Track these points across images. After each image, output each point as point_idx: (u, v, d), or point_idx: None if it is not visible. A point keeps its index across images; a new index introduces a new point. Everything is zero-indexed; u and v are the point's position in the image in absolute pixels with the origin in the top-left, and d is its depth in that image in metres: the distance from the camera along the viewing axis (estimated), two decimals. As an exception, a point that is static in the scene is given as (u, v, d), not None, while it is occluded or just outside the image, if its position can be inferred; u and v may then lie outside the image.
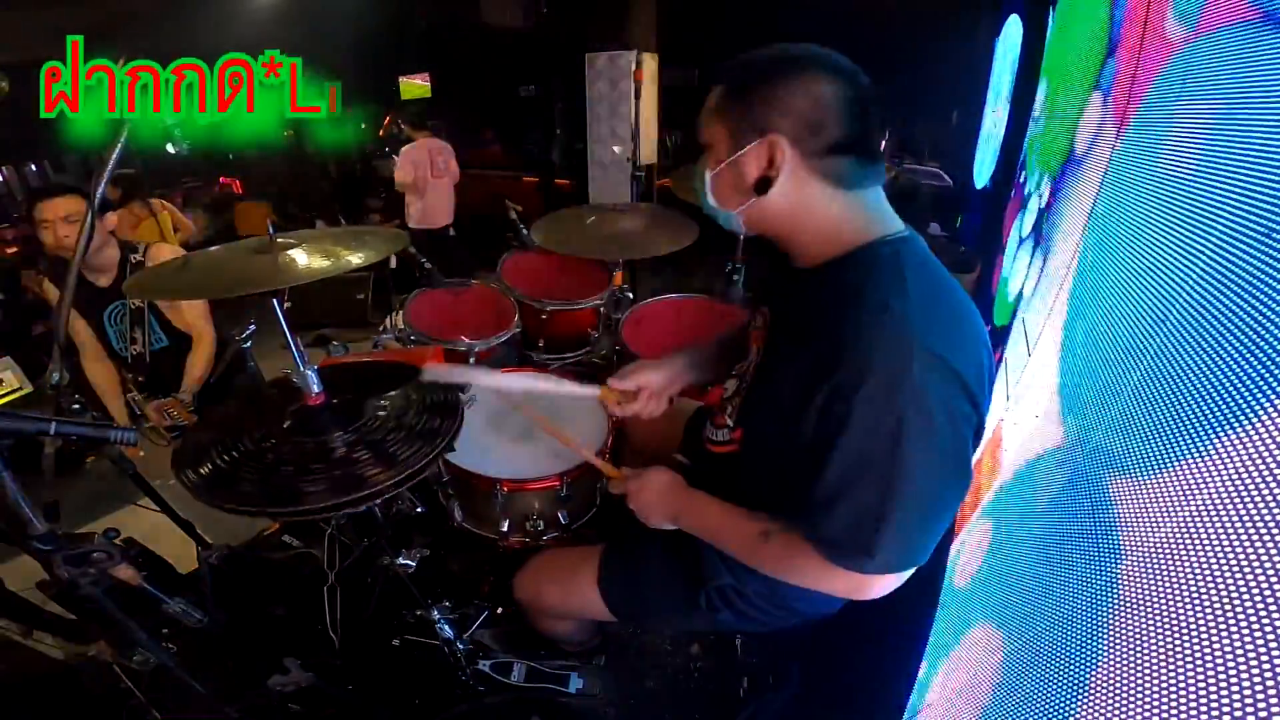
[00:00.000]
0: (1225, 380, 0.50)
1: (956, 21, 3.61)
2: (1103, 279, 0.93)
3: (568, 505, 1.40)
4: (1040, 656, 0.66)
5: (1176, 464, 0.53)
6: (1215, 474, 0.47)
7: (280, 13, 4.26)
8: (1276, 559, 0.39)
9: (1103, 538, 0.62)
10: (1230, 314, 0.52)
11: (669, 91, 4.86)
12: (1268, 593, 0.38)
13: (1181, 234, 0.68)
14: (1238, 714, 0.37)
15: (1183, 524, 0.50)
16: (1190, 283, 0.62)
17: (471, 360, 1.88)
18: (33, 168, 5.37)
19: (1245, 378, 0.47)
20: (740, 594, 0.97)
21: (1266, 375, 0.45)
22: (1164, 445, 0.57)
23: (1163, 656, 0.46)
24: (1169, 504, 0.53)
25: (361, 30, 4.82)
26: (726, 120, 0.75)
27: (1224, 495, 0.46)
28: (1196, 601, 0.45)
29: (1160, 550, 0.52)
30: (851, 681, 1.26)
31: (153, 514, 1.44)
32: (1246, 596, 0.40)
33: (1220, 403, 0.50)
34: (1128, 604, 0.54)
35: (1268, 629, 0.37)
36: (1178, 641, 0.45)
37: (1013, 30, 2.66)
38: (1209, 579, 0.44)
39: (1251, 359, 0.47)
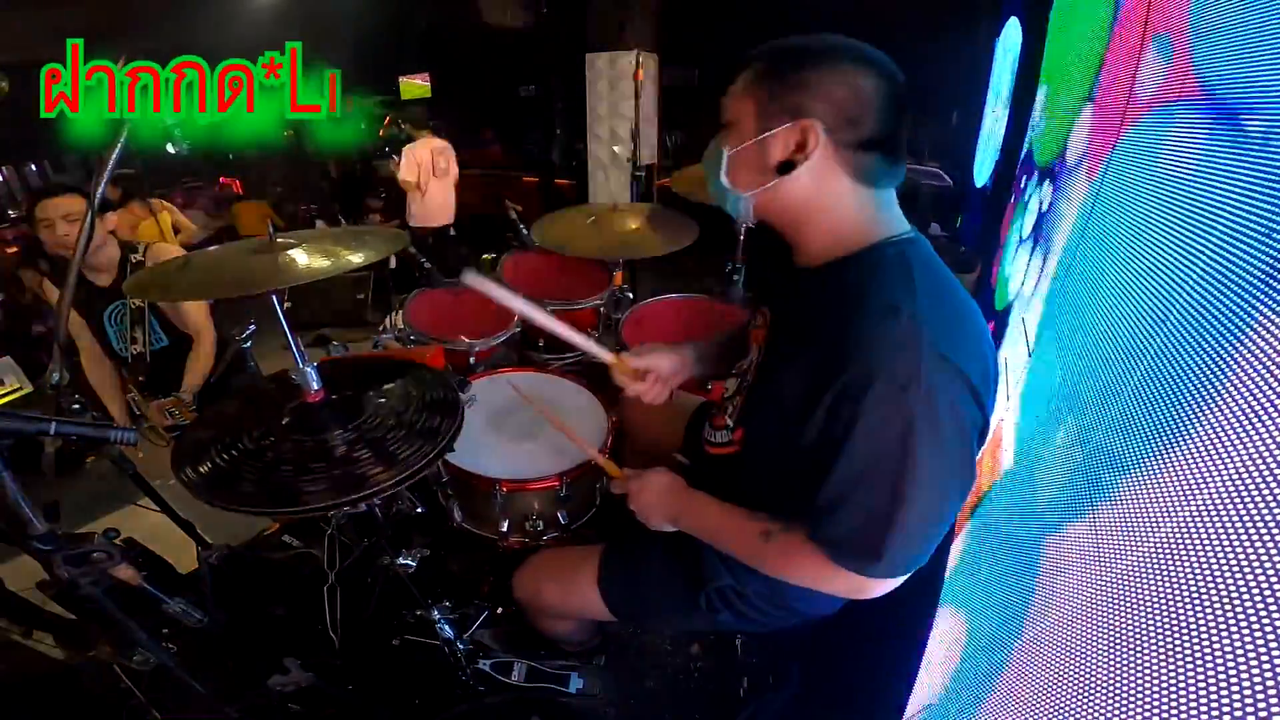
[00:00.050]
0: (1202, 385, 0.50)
1: (956, 22, 3.61)
2: (1085, 280, 0.93)
3: (567, 505, 1.40)
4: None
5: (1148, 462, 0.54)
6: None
7: (280, 13, 4.27)
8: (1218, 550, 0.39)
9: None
10: (1230, 314, 0.52)
11: (669, 91, 4.86)
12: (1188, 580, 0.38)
13: (1180, 235, 0.68)
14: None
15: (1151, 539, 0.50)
16: (1171, 283, 0.62)
17: (471, 359, 1.88)
18: (33, 168, 5.37)
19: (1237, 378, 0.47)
20: (740, 595, 0.97)
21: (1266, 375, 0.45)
22: (1164, 445, 0.57)
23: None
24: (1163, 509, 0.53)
25: (361, 30, 4.82)
26: (758, 99, 0.74)
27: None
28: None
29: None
30: (851, 681, 1.26)
31: (153, 514, 1.44)
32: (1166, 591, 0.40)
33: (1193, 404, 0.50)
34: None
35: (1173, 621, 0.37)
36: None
37: (1012, 31, 2.66)
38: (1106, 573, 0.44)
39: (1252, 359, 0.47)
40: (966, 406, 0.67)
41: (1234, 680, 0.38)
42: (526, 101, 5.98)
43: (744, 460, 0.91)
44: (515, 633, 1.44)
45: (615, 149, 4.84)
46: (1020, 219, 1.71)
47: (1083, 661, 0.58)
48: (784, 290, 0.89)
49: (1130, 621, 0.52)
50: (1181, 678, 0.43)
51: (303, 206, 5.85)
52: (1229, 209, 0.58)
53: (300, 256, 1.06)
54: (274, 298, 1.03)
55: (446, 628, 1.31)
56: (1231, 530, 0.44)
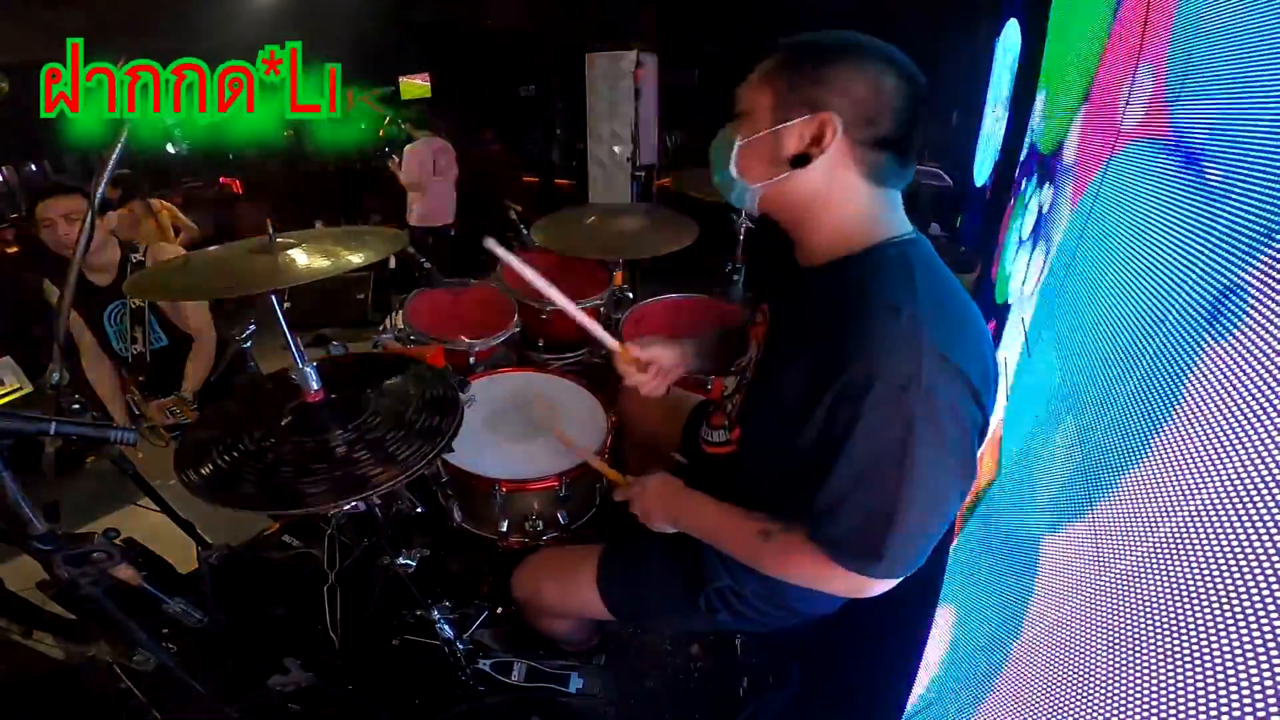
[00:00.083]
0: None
1: (956, 22, 3.60)
2: (1084, 280, 0.94)
3: (567, 505, 1.40)
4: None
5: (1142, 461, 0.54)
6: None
7: (280, 13, 4.27)
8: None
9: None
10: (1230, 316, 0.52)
11: (669, 91, 4.85)
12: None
13: (1179, 235, 0.68)
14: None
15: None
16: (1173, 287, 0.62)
17: (471, 359, 1.88)
18: (33, 168, 5.36)
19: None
20: (739, 595, 0.97)
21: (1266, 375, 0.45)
22: (1164, 445, 0.57)
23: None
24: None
25: (361, 30, 4.82)
26: (777, 91, 0.74)
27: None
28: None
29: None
30: (851, 681, 1.26)
31: (153, 514, 1.44)
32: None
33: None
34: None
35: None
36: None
37: (1012, 31, 2.66)
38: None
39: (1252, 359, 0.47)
40: (966, 407, 0.67)
41: (1233, 680, 0.38)
42: (526, 101, 5.98)
43: (742, 460, 0.91)
44: (515, 633, 1.44)
45: (615, 149, 4.84)
46: (1020, 219, 1.71)
47: (1082, 661, 0.58)
48: (784, 289, 0.89)
49: (1130, 621, 0.52)
50: (1181, 678, 0.43)
51: (302, 216, 5.84)
52: (1228, 209, 0.58)
53: (300, 256, 1.06)
54: (273, 298, 1.03)
55: (446, 628, 1.31)
56: (1231, 530, 0.44)
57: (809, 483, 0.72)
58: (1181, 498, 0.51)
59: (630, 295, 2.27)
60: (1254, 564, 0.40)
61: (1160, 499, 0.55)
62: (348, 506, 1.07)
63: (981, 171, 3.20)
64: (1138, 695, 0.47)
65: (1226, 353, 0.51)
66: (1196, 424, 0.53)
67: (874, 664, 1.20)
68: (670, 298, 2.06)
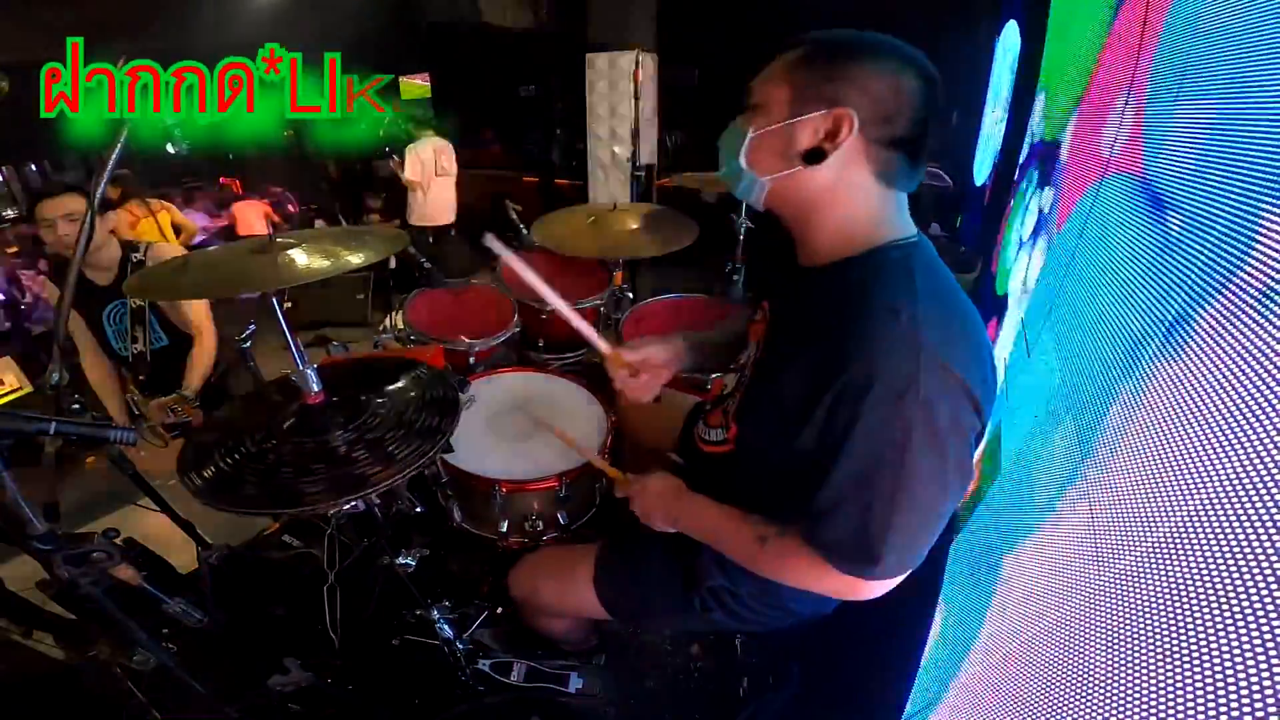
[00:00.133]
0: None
1: (956, 22, 3.60)
2: (1083, 281, 0.94)
3: (566, 506, 1.40)
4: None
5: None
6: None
7: (280, 13, 4.27)
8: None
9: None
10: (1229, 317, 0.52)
11: (669, 91, 4.85)
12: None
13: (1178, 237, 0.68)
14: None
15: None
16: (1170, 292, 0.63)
17: (471, 359, 1.88)
18: (33, 168, 5.36)
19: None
20: (734, 595, 0.97)
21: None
22: (1164, 444, 0.57)
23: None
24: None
25: (362, 30, 4.82)
26: (794, 84, 0.73)
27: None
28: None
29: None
30: (851, 681, 1.26)
31: (153, 514, 1.44)
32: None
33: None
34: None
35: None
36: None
37: (1011, 32, 2.66)
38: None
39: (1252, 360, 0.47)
40: (964, 413, 0.67)
41: (1233, 679, 0.38)
42: (526, 101, 5.98)
43: (739, 459, 0.91)
44: (515, 633, 1.44)
45: (615, 149, 4.84)
46: (1019, 217, 1.72)
47: (1081, 660, 0.58)
48: (785, 289, 0.89)
49: (1130, 621, 0.52)
50: (1181, 677, 0.43)
51: (303, 206, 5.85)
52: (1228, 210, 0.58)
53: (300, 256, 1.06)
54: (274, 299, 1.03)
55: (446, 628, 1.31)
56: (1231, 530, 0.44)
57: (806, 484, 0.72)
58: (1181, 498, 0.51)
59: (630, 295, 2.27)
60: (1254, 564, 0.40)
61: (1160, 499, 0.55)
62: (347, 506, 1.07)
63: (981, 171, 3.20)
64: (1137, 695, 0.47)
65: (1226, 352, 0.51)
66: (1196, 424, 0.53)
67: (874, 664, 1.20)
68: (670, 298, 2.06)
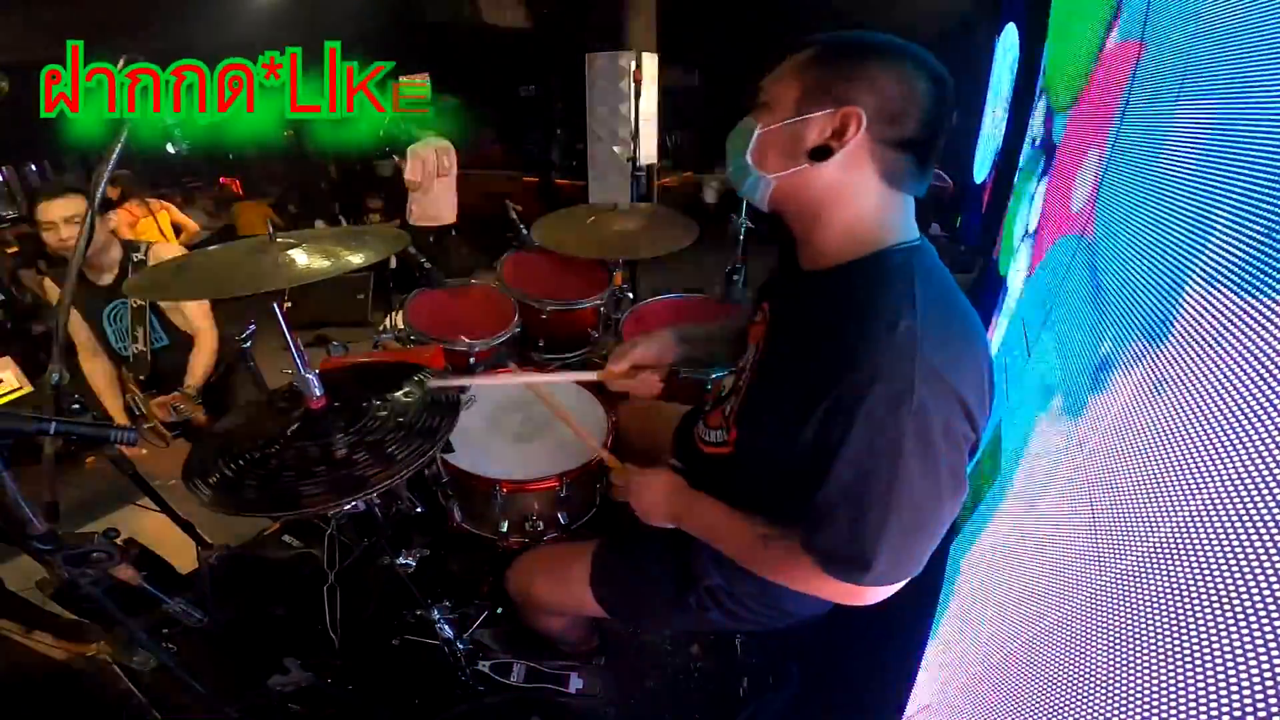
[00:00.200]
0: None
1: (956, 22, 3.61)
2: (1083, 280, 0.94)
3: (567, 506, 1.40)
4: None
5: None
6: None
7: (280, 13, 4.28)
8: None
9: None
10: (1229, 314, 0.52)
11: (669, 91, 4.86)
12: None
13: (1178, 235, 0.68)
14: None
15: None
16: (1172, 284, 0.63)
17: (471, 360, 1.88)
18: (33, 168, 5.37)
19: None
20: (730, 594, 0.97)
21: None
22: (1164, 444, 0.57)
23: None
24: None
25: (362, 30, 4.82)
26: (804, 82, 0.73)
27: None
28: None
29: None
30: (851, 681, 1.26)
31: (153, 514, 1.44)
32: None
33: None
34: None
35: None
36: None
37: (1011, 33, 2.66)
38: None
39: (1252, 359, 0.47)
40: (959, 423, 0.67)
41: (1233, 679, 0.38)
42: (526, 101, 5.99)
43: (739, 461, 0.90)
44: (515, 633, 1.44)
45: (615, 149, 4.85)
46: (1023, 205, 1.72)
47: (1082, 660, 0.58)
48: (787, 292, 0.89)
49: (1130, 621, 0.52)
50: (1181, 677, 0.43)
51: (302, 215, 5.86)
52: (1228, 209, 0.58)
53: (300, 256, 1.06)
54: (274, 299, 1.03)
55: (446, 628, 1.31)
56: (1233, 530, 0.44)
57: (804, 487, 0.72)
58: (1181, 498, 0.51)
59: (630, 295, 2.27)
60: (1254, 564, 0.40)
61: (1160, 499, 0.55)
62: (348, 507, 1.07)
63: (981, 169, 3.21)
64: (1137, 695, 0.47)
65: (1227, 352, 0.51)
66: (1197, 424, 0.53)
67: (874, 664, 1.20)
68: (670, 298, 2.05)
